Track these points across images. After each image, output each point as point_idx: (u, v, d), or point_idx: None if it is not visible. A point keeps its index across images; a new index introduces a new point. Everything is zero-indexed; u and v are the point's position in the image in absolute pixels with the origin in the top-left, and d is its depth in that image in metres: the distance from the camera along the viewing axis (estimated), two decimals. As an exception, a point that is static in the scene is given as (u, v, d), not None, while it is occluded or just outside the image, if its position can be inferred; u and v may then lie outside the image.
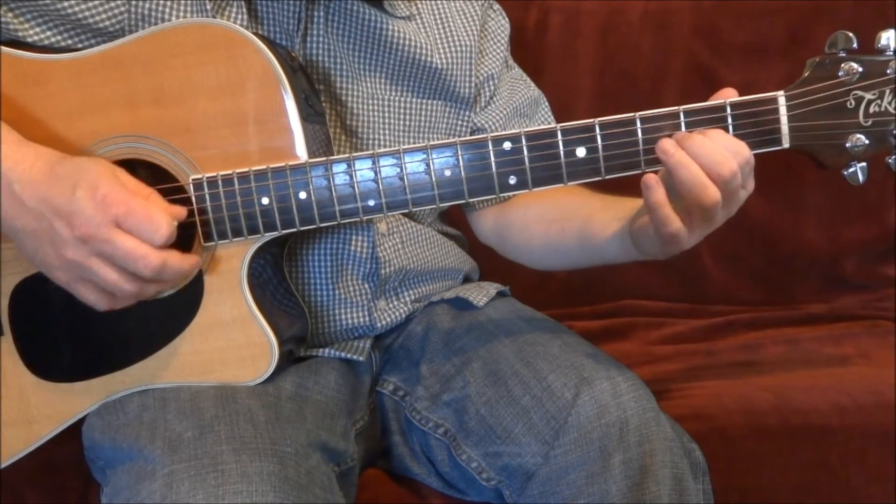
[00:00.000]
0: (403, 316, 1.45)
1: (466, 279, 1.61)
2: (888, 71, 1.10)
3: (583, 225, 1.35)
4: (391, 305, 1.43)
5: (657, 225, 1.14)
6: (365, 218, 1.19)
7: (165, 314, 1.21)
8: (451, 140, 1.17)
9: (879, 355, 1.84)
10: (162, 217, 1.10)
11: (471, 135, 1.48)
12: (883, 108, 1.11)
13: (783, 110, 1.12)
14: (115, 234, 1.08)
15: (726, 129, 1.12)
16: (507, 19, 1.58)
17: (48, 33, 1.25)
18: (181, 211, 1.15)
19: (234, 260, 1.20)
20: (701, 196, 1.10)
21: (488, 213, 1.55)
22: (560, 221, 1.41)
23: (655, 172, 1.12)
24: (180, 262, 1.14)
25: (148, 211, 1.09)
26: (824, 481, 1.57)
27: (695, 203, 1.11)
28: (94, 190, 1.08)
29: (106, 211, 1.08)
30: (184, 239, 1.20)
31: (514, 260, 1.53)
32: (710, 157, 1.09)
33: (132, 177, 1.14)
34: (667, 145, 1.11)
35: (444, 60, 1.43)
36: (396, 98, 1.40)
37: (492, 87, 1.52)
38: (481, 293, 1.48)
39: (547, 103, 1.60)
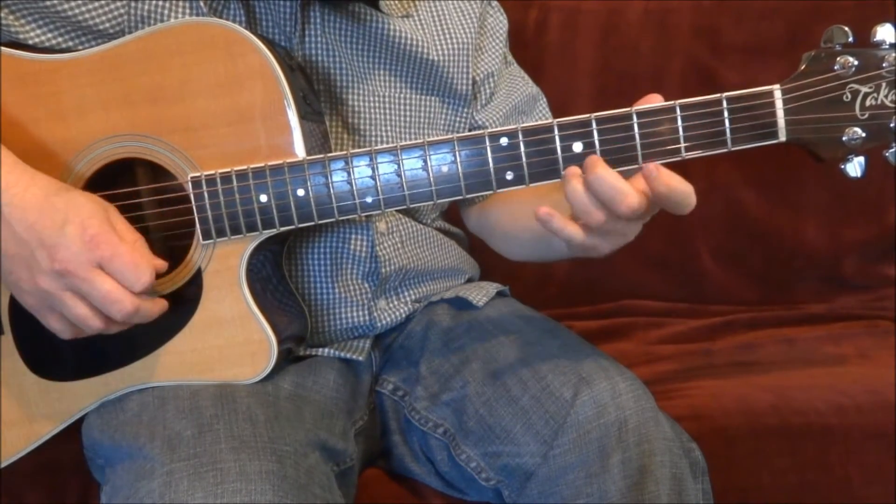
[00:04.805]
0: (404, 316, 1.45)
1: (468, 280, 1.61)
2: (884, 64, 1.10)
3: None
4: (391, 305, 1.43)
5: (568, 243, 1.16)
6: (363, 215, 1.19)
7: (164, 312, 1.21)
8: (448, 136, 1.17)
9: (879, 355, 1.84)
10: (146, 266, 1.12)
11: (470, 132, 1.48)
12: (879, 102, 1.11)
13: (779, 104, 1.12)
14: (95, 274, 1.10)
15: (722, 123, 1.12)
16: (505, 16, 1.58)
17: (49, 35, 1.25)
18: (162, 265, 1.17)
19: (232, 258, 1.20)
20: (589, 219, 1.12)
21: (473, 207, 1.57)
22: (523, 219, 1.41)
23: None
24: (150, 309, 1.16)
25: (133, 258, 1.11)
26: (823, 481, 1.56)
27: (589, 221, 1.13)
28: (83, 228, 1.09)
29: (92, 251, 1.09)
30: (182, 237, 1.20)
31: (496, 251, 1.55)
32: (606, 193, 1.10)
33: (123, 218, 1.15)
34: (568, 171, 1.12)
35: (441, 55, 1.43)
36: (396, 95, 1.41)
37: (492, 85, 1.52)
38: (481, 293, 1.48)
39: (545, 100, 1.61)
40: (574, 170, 1.12)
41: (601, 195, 1.09)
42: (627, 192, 1.09)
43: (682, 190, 1.10)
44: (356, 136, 1.37)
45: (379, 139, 1.38)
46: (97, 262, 1.10)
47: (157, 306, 1.17)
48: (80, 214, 1.10)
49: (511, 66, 1.60)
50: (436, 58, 1.43)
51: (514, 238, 1.46)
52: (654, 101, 1.13)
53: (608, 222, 1.11)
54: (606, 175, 1.09)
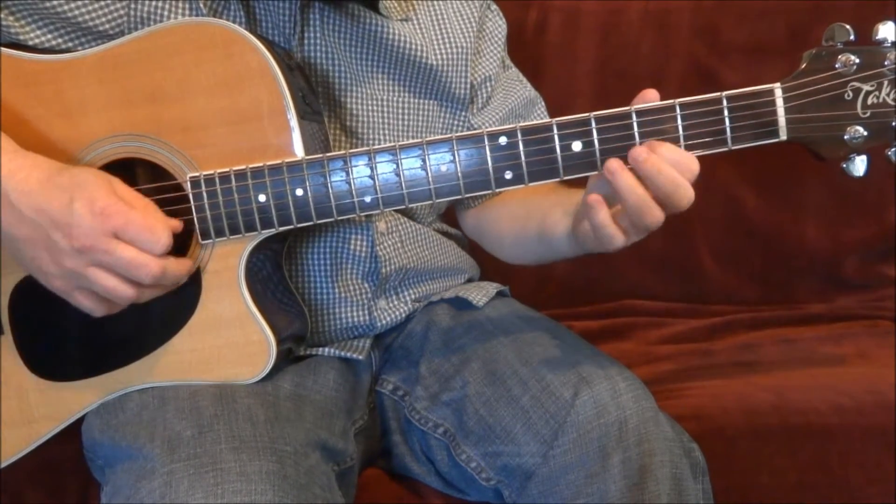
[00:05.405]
0: (403, 315, 1.45)
1: (468, 280, 1.61)
2: (886, 62, 1.10)
3: (539, 222, 1.36)
4: (391, 305, 1.43)
5: (601, 241, 1.16)
6: (362, 214, 1.19)
7: (164, 312, 1.21)
8: (447, 136, 1.16)
9: (879, 355, 1.84)
10: (161, 227, 1.12)
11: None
12: (881, 100, 1.11)
13: (780, 102, 1.12)
14: (115, 244, 1.10)
15: (722, 122, 1.12)
16: (503, 20, 1.59)
17: (49, 36, 1.25)
18: (177, 223, 1.16)
19: (231, 258, 1.20)
20: (645, 218, 1.12)
21: (471, 210, 1.57)
22: (523, 219, 1.42)
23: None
24: (178, 267, 1.16)
25: (147, 221, 1.11)
26: (824, 481, 1.57)
27: (638, 222, 1.13)
28: (91, 202, 1.09)
29: (104, 223, 1.09)
30: (181, 237, 1.20)
31: (492, 254, 1.56)
32: (665, 185, 1.10)
33: (128, 187, 1.15)
34: (614, 165, 1.11)
35: (440, 59, 1.43)
36: (394, 98, 1.41)
37: (489, 89, 1.52)
38: (481, 293, 1.48)
39: (543, 104, 1.61)
40: (619, 163, 1.11)
41: (660, 188, 1.10)
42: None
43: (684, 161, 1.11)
44: (354, 139, 1.37)
45: (376, 142, 1.38)
46: (112, 233, 1.10)
47: (185, 265, 1.18)
48: (85, 189, 1.10)
49: (509, 70, 1.60)
50: (434, 62, 1.43)
51: (515, 239, 1.46)
52: (650, 96, 1.13)
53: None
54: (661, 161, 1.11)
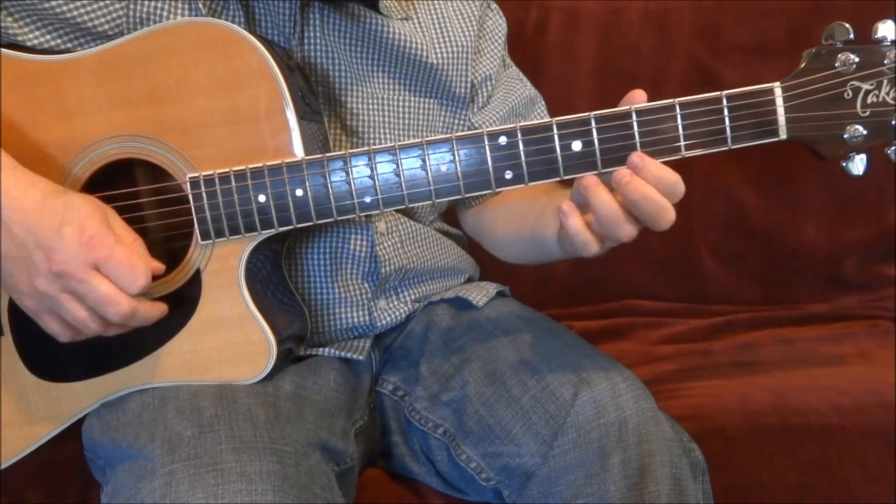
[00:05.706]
0: (404, 315, 1.44)
1: (468, 280, 1.61)
2: (885, 61, 1.10)
3: (533, 224, 1.36)
4: (391, 305, 1.43)
5: (575, 247, 1.16)
6: (362, 214, 1.19)
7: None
8: (447, 136, 1.16)
9: (879, 355, 1.84)
10: (142, 268, 1.11)
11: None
12: (881, 99, 1.11)
13: (780, 101, 1.11)
14: (92, 275, 1.09)
15: (722, 121, 1.12)
16: (504, 18, 1.59)
17: (47, 36, 1.25)
18: (159, 266, 1.16)
19: (231, 258, 1.20)
20: (617, 232, 1.12)
21: (470, 209, 1.57)
22: (518, 220, 1.42)
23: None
24: (148, 311, 1.15)
25: (130, 260, 1.11)
26: (824, 481, 1.57)
27: (611, 235, 1.13)
28: (81, 230, 1.09)
29: (88, 252, 1.09)
30: (181, 238, 1.20)
31: (491, 253, 1.55)
32: (647, 211, 1.10)
33: (122, 220, 1.15)
34: (588, 181, 1.11)
35: (440, 58, 1.43)
36: (395, 97, 1.41)
37: (489, 88, 1.52)
38: (481, 293, 1.48)
39: (543, 103, 1.61)
40: (594, 179, 1.11)
41: (643, 212, 1.10)
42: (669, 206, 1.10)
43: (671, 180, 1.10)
44: (354, 139, 1.37)
45: (377, 141, 1.38)
46: (94, 264, 1.09)
47: (156, 310, 1.17)
48: (77, 216, 1.10)
49: (509, 69, 1.60)
50: (435, 61, 1.43)
51: (510, 239, 1.46)
52: (637, 97, 1.13)
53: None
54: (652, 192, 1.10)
